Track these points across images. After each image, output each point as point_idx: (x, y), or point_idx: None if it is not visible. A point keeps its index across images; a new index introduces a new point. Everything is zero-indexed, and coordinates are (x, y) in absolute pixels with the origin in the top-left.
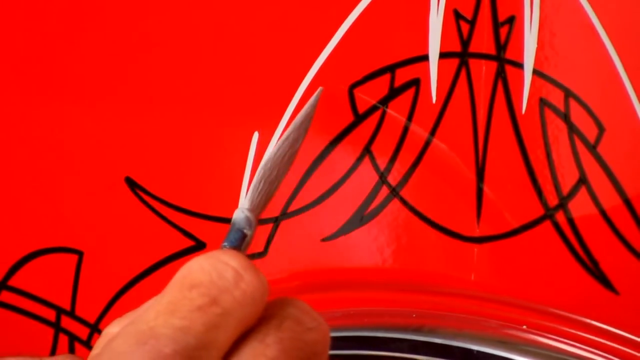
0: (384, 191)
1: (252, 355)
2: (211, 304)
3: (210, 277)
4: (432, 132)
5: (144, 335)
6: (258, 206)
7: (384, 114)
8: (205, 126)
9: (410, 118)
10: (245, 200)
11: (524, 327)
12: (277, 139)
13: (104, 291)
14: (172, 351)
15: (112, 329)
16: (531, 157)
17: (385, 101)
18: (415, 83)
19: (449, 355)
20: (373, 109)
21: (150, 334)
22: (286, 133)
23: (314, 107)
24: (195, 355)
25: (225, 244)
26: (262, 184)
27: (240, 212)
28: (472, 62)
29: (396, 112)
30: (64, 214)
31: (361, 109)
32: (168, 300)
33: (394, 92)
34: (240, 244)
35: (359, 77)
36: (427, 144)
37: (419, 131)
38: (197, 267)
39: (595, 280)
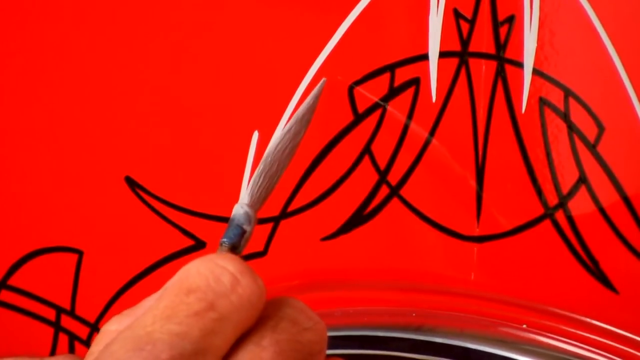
0: (384, 190)
1: (249, 358)
2: (208, 309)
3: (207, 282)
4: (432, 132)
5: (141, 340)
6: (258, 201)
7: (383, 113)
8: (205, 126)
9: (410, 117)
10: (245, 195)
11: (524, 326)
12: (279, 130)
13: (104, 290)
14: (169, 357)
15: (110, 327)
16: (531, 156)
17: (385, 100)
18: (415, 82)
19: (449, 355)
20: (373, 108)
21: (147, 339)
22: (288, 125)
23: (317, 98)
24: None
25: (225, 240)
26: (262, 178)
27: (240, 208)
28: (472, 62)
29: (396, 112)
30: (64, 213)
31: (361, 108)
32: (165, 305)
33: (393, 92)
34: (239, 240)
35: (359, 77)
36: (427, 143)
37: (418, 130)
38: (194, 271)
39: (595, 280)
